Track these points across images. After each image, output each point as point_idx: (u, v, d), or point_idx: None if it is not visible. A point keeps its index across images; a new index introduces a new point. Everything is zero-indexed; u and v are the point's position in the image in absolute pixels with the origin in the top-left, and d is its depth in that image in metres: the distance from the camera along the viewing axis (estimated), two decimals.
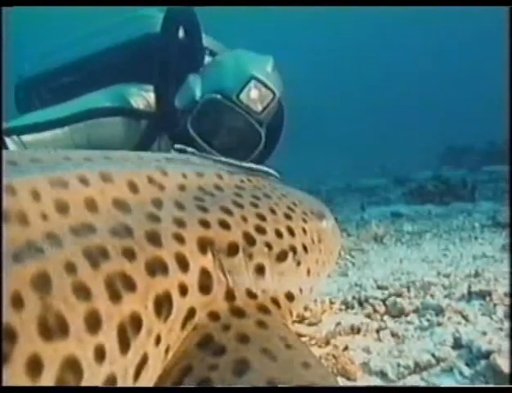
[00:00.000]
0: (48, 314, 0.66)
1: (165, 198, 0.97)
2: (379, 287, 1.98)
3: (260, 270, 1.02)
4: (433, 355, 1.32)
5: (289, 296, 1.10)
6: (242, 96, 2.06)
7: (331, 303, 1.83)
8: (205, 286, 0.91)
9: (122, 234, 0.82)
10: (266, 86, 2.08)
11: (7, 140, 1.99)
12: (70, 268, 0.72)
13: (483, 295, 1.71)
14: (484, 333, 1.39)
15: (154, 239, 0.85)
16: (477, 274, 2.00)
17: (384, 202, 5.00)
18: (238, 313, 0.94)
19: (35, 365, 0.63)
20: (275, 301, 1.05)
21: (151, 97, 2.18)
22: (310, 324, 1.65)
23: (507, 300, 1.64)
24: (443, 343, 1.39)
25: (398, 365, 1.31)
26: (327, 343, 1.50)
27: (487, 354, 1.24)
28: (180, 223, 0.92)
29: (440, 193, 4.44)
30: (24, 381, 0.62)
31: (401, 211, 4.18)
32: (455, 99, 29.79)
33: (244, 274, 1.00)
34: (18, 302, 0.64)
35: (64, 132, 2.08)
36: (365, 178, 8.94)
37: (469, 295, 1.74)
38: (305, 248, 1.19)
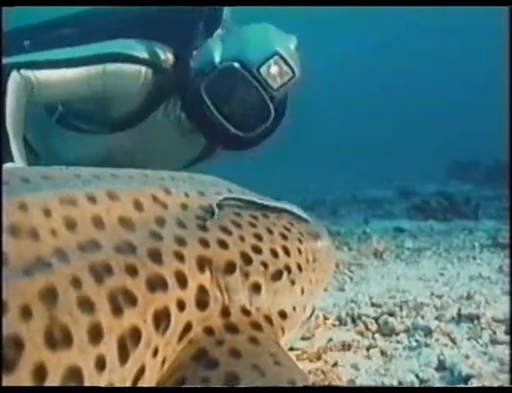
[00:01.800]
0: (54, 326, 0.71)
1: (168, 217, 1.02)
2: (373, 305, 2.04)
3: (256, 288, 1.07)
4: (416, 376, 1.39)
5: (282, 314, 1.15)
6: (262, 69, 2.08)
7: (325, 318, 1.89)
8: (202, 303, 0.96)
9: (125, 251, 0.88)
10: (287, 64, 2.09)
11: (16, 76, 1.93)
12: (76, 282, 0.77)
13: (472, 318, 1.77)
14: (467, 357, 1.45)
15: (155, 256, 0.91)
16: (469, 297, 2.06)
17: (387, 216, 5.05)
18: (232, 329, 0.99)
19: (40, 373, 0.68)
20: (268, 319, 1.09)
21: (168, 55, 2.21)
22: (303, 338, 1.72)
23: (494, 325, 1.70)
24: (428, 364, 1.46)
25: (383, 384, 1.38)
26: (318, 358, 1.57)
27: (466, 378, 1.30)
28: (181, 241, 0.98)
29: (443, 210, 4.48)
30: (28, 383, 0.67)
31: (404, 227, 4.23)
32: (462, 112, 29.68)
33: (240, 292, 1.04)
34: (26, 313, 0.69)
35: (82, 75, 2.06)
36: (371, 188, 8.98)
37: (459, 318, 1.80)
38: (299, 267, 1.24)
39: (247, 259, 1.07)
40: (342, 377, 1.43)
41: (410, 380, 1.38)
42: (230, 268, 1.03)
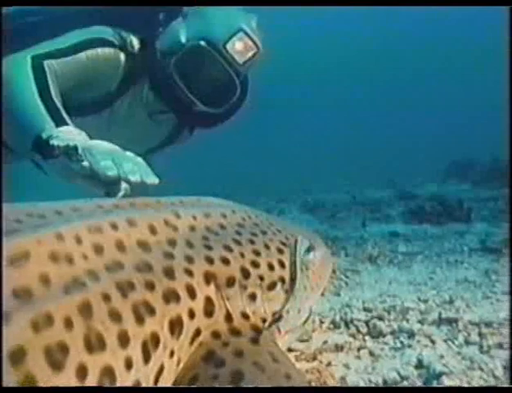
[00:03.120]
0: (91, 333, 0.85)
1: (178, 238, 1.18)
2: (365, 309, 2.25)
3: (252, 297, 1.24)
4: (398, 373, 1.60)
5: (277, 317, 1.33)
6: (228, 45, 2.16)
7: (321, 322, 2.11)
8: (209, 311, 1.12)
9: (144, 270, 1.03)
10: (251, 39, 2.18)
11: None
12: (106, 298, 0.91)
13: (451, 321, 1.98)
14: (442, 357, 1.67)
15: (169, 273, 1.06)
16: (451, 301, 2.27)
17: (384, 220, 5.24)
18: (235, 332, 1.14)
19: (82, 372, 0.82)
20: (264, 321, 1.26)
21: (134, 38, 2.28)
22: (301, 341, 1.92)
23: (470, 327, 1.92)
24: (409, 363, 1.67)
25: (370, 381, 1.59)
26: (314, 358, 1.78)
27: (439, 375, 1.52)
28: (190, 259, 1.14)
29: (437, 214, 4.68)
30: (74, 384, 0.81)
31: (399, 231, 4.42)
32: (461, 111, 29.79)
33: (239, 301, 1.20)
34: (69, 324, 0.83)
35: (76, 61, 2.11)
36: (371, 188, 9.18)
37: (440, 321, 2.01)
38: (292, 277, 1.40)
39: (246, 274, 1.24)
40: (335, 375, 1.64)
41: (393, 377, 1.59)
42: (231, 281, 1.19)
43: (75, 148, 1.49)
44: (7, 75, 1.91)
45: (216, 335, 1.12)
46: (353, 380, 1.61)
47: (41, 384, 0.76)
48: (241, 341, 1.12)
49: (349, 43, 32.50)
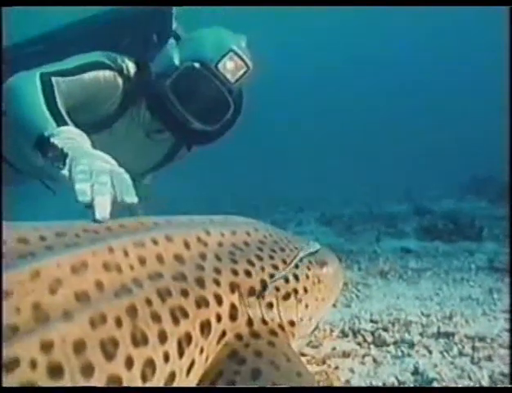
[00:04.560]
0: (136, 331, 1.00)
1: (208, 252, 1.33)
2: (372, 321, 2.46)
3: (270, 306, 1.39)
4: (396, 378, 1.83)
5: (291, 323, 1.45)
6: (220, 65, 2.28)
7: (331, 331, 2.33)
8: (233, 316, 1.26)
9: (180, 279, 1.17)
10: (241, 59, 2.30)
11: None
12: (148, 302, 1.06)
13: (448, 335, 2.20)
14: (436, 365, 1.90)
15: (200, 283, 1.21)
16: (451, 316, 2.48)
17: (398, 235, 5.40)
18: (255, 335, 1.29)
19: (129, 362, 0.96)
20: (280, 326, 1.40)
21: (130, 62, 2.41)
22: (313, 347, 2.15)
23: (465, 341, 2.13)
24: (406, 370, 1.89)
25: (371, 384, 1.82)
26: (323, 363, 2.00)
27: (431, 381, 1.75)
28: (218, 271, 1.29)
29: (449, 231, 4.86)
30: (122, 371, 0.94)
31: (411, 247, 4.60)
32: (484, 125, 29.57)
33: (259, 308, 1.35)
34: (118, 322, 0.97)
35: (79, 82, 2.20)
36: (389, 201, 9.34)
37: (438, 335, 2.23)
38: (305, 290, 1.54)
39: (264, 285, 1.39)
40: (341, 378, 1.88)
41: (391, 381, 1.82)
42: (252, 291, 1.35)
43: (65, 155, 1.53)
44: (15, 88, 2.02)
45: (239, 337, 1.26)
46: (356, 383, 1.83)
47: (96, 371, 0.90)
48: (260, 343, 1.27)
49: (358, 47, 32.46)
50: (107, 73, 2.33)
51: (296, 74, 33.16)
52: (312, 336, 2.23)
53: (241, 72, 2.33)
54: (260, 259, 1.46)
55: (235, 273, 1.34)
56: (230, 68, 2.30)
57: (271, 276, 1.44)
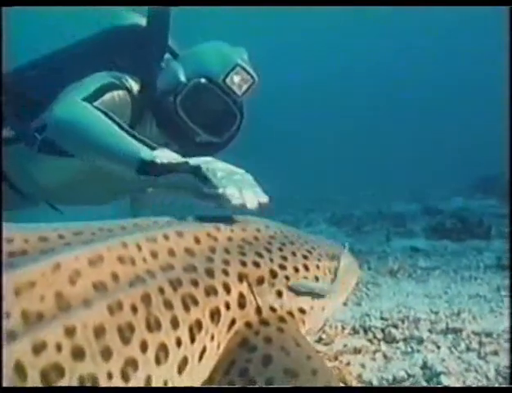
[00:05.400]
0: (150, 317, 1.05)
1: (218, 246, 1.38)
2: (382, 318, 2.54)
3: (279, 294, 1.41)
4: (406, 372, 1.92)
5: (302, 311, 1.47)
6: (228, 80, 2.37)
7: (343, 328, 2.41)
8: (242, 304, 1.30)
9: (190, 270, 1.23)
10: (247, 72, 2.39)
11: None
12: (161, 291, 1.12)
13: (456, 331, 2.28)
14: (444, 360, 1.98)
15: (209, 273, 1.26)
16: (459, 313, 2.55)
17: (407, 235, 5.48)
18: (264, 322, 1.32)
19: (143, 346, 1.02)
20: (290, 313, 1.42)
21: (136, 80, 2.50)
22: (325, 344, 2.23)
23: (472, 337, 2.21)
24: (415, 364, 1.98)
25: (382, 378, 1.91)
26: (336, 359, 2.09)
27: (439, 374, 1.83)
28: (226, 262, 1.33)
29: (458, 230, 4.92)
30: (138, 355, 1.00)
31: (420, 246, 4.67)
32: (493, 122, 29.45)
33: (268, 296, 1.38)
34: (134, 309, 1.03)
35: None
36: (398, 201, 9.39)
37: (446, 331, 2.30)
38: (316, 278, 1.57)
39: (273, 274, 1.42)
40: (353, 373, 1.96)
41: (401, 375, 1.90)
42: (260, 280, 1.38)
43: (199, 168, 1.66)
44: (69, 120, 2.10)
45: (248, 325, 1.29)
46: (368, 377, 1.92)
47: (114, 354, 0.97)
48: (270, 330, 1.30)
49: (364, 47, 32.45)
50: (120, 92, 2.41)
51: (303, 74, 33.21)
52: (325, 333, 2.32)
53: (248, 85, 2.42)
54: (269, 251, 1.50)
55: (243, 264, 1.38)
56: (237, 82, 2.38)
57: (281, 266, 1.47)
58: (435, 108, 33.09)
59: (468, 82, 32.28)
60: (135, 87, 2.50)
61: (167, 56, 2.65)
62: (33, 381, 0.85)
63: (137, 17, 2.73)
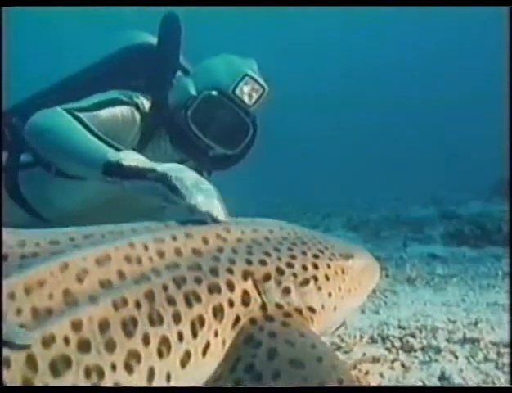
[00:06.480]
0: (153, 312, 1.11)
1: (226, 246, 1.41)
2: (400, 327, 2.56)
3: (287, 291, 1.42)
4: (423, 383, 1.95)
5: (311, 309, 1.48)
6: (237, 91, 2.38)
7: (361, 337, 2.45)
8: (246, 302, 1.33)
9: (195, 269, 1.27)
10: (257, 81, 2.40)
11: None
12: (165, 288, 1.17)
13: (474, 341, 2.30)
14: (462, 370, 2.01)
15: (214, 271, 1.30)
16: (476, 323, 2.57)
17: (425, 240, 5.48)
18: (269, 318, 1.33)
19: (146, 339, 1.07)
20: (298, 310, 1.43)
21: (142, 99, 2.52)
22: (344, 352, 2.26)
23: (490, 347, 2.23)
24: (433, 375, 2.01)
25: None
26: (354, 368, 2.12)
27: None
28: (232, 261, 1.36)
29: (476, 237, 4.91)
30: (140, 348, 1.05)
31: (438, 253, 4.67)
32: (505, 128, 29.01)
33: (274, 294, 1.39)
34: (138, 305, 1.09)
35: (101, 117, 2.31)
36: (415, 206, 9.36)
37: (464, 341, 2.33)
38: (327, 277, 1.56)
39: (280, 272, 1.44)
40: (371, 383, 2.00)
41: (419, 385, 1.94)
42: (266, 277, 1.40)
43: (166, 176, 1.68)
44: (46, 125, 2.15)
45: (253, 321, 1.31)
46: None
47: (118, 347, 1.02)
48: (274, 325, 1.32)
49: (375, 49, 32.28)
50: (124, 108, 2.43)
51: (320, 78, 33.16)
52: (343, 342, 2.36)
53: (258, 94, 2.43)
54: (278, 250, 1.52)
55: (249, 262, 1.40)
56: (247, 92, 2.40)
57: (288, 264, 1.47)
58: (453, 109, 32.76)
59: (481, 84, 31.94)
60: (146, 104, 2.53)
61: (178, 73, 2.70)
62: (43, 371, 0.93)
63: (148, 37, 2.81)
